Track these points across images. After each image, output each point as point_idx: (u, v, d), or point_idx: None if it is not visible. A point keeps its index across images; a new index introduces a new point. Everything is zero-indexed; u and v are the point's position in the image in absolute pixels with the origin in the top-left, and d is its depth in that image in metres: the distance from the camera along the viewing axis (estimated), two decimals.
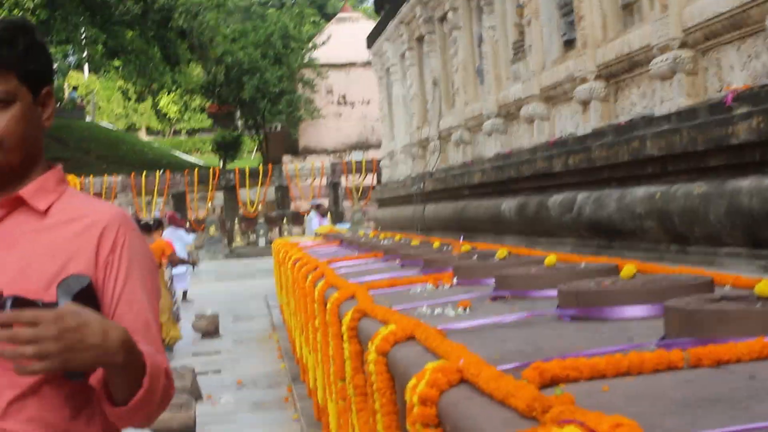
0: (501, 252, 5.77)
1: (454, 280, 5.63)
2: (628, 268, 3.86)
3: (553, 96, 11.73)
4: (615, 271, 4.67)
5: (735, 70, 7.98)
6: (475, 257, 6.03)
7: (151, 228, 15.80)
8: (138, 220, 15.85)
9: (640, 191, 8.73)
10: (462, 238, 10.92)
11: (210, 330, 16.85)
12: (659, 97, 8.92)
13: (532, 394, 2.16)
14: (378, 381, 3.58)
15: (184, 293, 23.79)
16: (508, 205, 12.34)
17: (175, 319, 16.00)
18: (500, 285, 4.72)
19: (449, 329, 3.75)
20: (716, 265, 7.51)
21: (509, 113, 13.40)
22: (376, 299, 5.11)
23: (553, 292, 4.42)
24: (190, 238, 24.29)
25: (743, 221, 7.14)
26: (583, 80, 10.48)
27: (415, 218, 18.04)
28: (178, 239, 23.09)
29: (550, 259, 4.76)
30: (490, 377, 2.47)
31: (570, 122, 11.38)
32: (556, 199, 10.71)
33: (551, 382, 2.46)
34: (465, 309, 4.37)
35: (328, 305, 5.55)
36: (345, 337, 4.67)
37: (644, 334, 3.27)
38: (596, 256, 9.39)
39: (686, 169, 8.07)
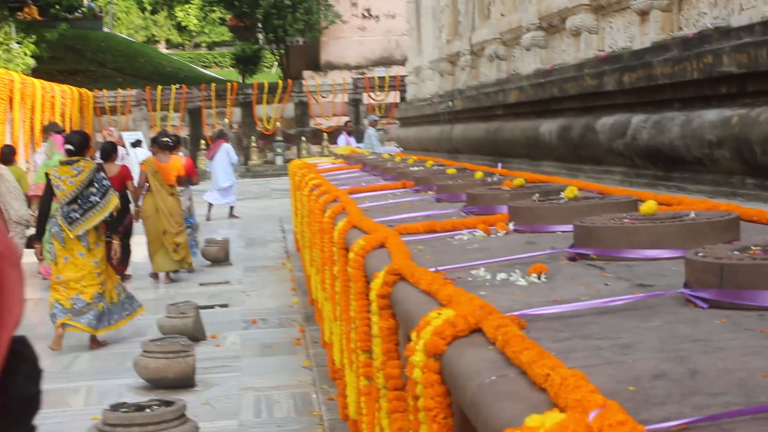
0: (570, 190, 4.54)
1: (511, 227, 4.43)
2: None
3: (605, 5, 10.44)
4: (736, 223, 3.46)
5: None
6: (536, 196, 4.80)
7: (171, 147, 14.74)
8: (162, 138, 14.76)
9: (710, 114, 7.61)
10: (500, 165, 9.75)
11: (220, 256, 15.73)
12: (737, 5, 7.67)
13: None
14: (427, 397, 2.41)
15: (231, 209, 23.37)
16: (549, 127, 11.18)
17: (191, 244, 15.10)
18: (582, 240, 3.52)
19: (530, 316, 2.58)
20: None
21: (552, 25, 12.12)
22: (414, 251, 3.93)
23: (664, 254, 3.25)
24: (235, 157, 23.58)
25: None
26: None
27: (442, 139, 16.87)
28: (226, 155, 22.79)
29: (649, 205, 3.54)
30: None
31: (623, 35, 10.13)
32: (605, 122, 9.58)
33: None
34: (539, 276, 3.19)
35: (352, 254, 4.38)
36: (374, 307, 3.50)
37: None
38: (652, 188, 8.28)
39: None
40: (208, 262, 15.65)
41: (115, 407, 6.65)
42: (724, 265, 2.54)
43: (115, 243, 10.51)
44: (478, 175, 7.16)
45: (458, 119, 15.99)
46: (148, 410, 6.54)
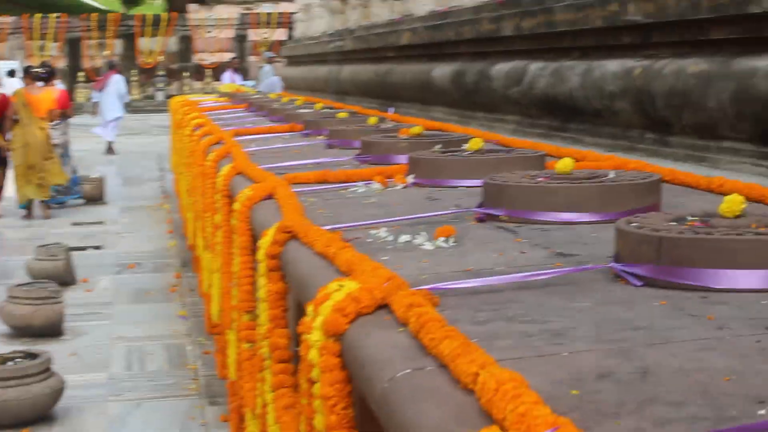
0: (474, 142, 4.21)
1: (410, 179, 4.09)
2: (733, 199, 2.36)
3: None
4: (658, 186, 3.16)
5: None
6: (437, 147, 4.44)
7: (44, 78, 14.17)
8: (34, 69, 14.38)
9: (612, 65, 7.36)
10: (392, 109, 9.39)
11: (95, 195, 15.08)
12: None
13: None
14: (325, 383, 2.06)
15: (110, 144, 22.91)
16: (442, 71, 10.88)
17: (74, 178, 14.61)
18: (492, 199, 3.19)
19: (443, 290, 2.23)
20: (708, 162, 6.15)
21: None
22: (305, 204, 3.57)
23: (583, 218, 2.94)
24: (124, 89, 22.87)
25: (754, 111, 5.73)
26: None
27: (329, 80, 16.45)
28: (117, 87, 22.28)
29: (566, 163, 3.22)
30: None
31: None
32: (501, 69, 9.31)
33: None
34: (447, 240, 2.85)
35: (237, 205, 3.99)
36: (262, 268, 3.13)
37: None
38: (547, 138, 8.05)
39: (677, 41, 6.68)
40: (82, 201, 15.03)
41: None
42: (663, 238, 2.23)
43: None
44: (372, 120, 6.78)
45: (347, 60, 15.59)
46: (10, 363, 6.12)
